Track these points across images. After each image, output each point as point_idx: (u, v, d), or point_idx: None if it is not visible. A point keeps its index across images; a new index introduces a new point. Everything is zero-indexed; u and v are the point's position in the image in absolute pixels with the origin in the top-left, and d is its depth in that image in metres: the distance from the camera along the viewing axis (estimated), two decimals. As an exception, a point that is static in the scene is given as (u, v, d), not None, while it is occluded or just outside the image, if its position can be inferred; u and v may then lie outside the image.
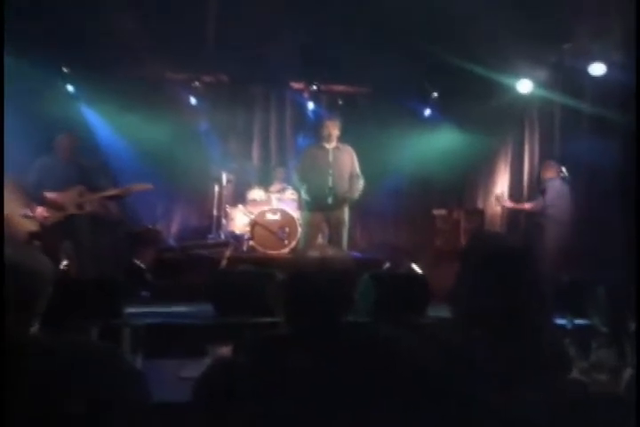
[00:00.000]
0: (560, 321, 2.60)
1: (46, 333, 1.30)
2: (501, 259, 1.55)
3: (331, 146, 5.18)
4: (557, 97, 6.16)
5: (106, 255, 5.64)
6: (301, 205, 5.46)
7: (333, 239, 5.15)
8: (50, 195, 5.08)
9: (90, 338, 2.10)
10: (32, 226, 5.16)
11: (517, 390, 1.38)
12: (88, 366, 1.25)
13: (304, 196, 5.25)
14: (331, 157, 5.09)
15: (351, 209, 5.33)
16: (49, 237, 5.01)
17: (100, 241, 5.39)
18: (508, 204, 6.21)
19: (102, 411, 1.21)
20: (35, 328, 1.32)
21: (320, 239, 5.35)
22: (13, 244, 1.31)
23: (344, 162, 5.23)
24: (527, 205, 5.96)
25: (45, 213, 5.02)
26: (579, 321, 2.67)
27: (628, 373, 1.71)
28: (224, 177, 6.95)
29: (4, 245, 1.30)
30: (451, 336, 1.54)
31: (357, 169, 5.32)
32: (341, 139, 5.29)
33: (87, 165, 5.35)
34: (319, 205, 5.11)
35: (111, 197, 5.34)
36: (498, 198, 6.31)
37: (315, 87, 7.24)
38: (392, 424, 1.29)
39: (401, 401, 1.30)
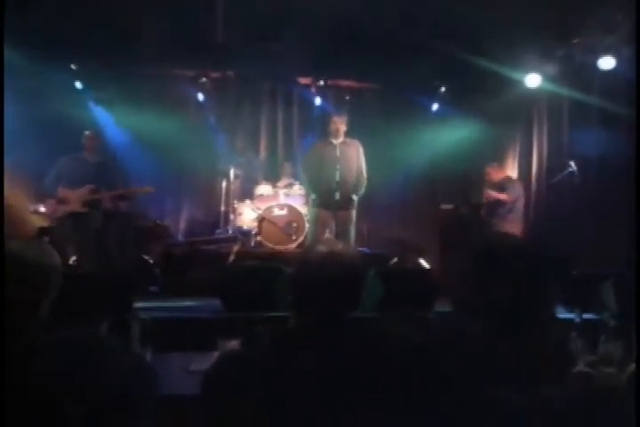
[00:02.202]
0: (568, 315, 2.60)
1: (55, 327, 1.31)
2: (505, 253, 1.56)
3: (338, 141, 5.18)
4: (566, 91, 6.12)
5: (115, 250, 5.67)
6: (308, 201, 5.47)
7: (340, 235, 5.15)
8: (61, 191, 5.15)
9: (99, 332, 2.12)
10: (42, 222, 5.22)
11: (524, 384, 1.38)
12: (97, 360, 1.26)
13: (311, 191, 5.25)
14: (338, 152, 5.09)
15: (358, 205, 5.34)
16: (57, 232, 5.07)
17: (109, 236, 5.42)
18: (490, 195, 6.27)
19: (112, 404, 1.22)
20: (44, 322, 1.33)
21: (327, 235, 5.36)
22: (22, 238, 1.33)
23: (351, 157, 5.23)
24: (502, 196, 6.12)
25: (53, 209, 5.07)
26: (587, 315, 2.67)
27: (633, 366, 1.71)
28: (232, 172, 6.97)
29: (4, 240, 1.31)
30: (457, 331, 1.55)
31: (363, 164, 5.31)
32: (348, 134, 5.29)
33: (109, 165, 5.45)
34: (326, 200, 5.12)
35: (115, 197, 5.38)
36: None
37: (322, 82, 7.22)
38: (399, 419, 1.29)
39: (407, 396, 1.31)
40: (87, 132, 5.43)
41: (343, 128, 5.19)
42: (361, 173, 5.28)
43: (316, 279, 1.40)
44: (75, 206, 5.13)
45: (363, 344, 1.36)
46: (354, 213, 5.25)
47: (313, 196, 5.28)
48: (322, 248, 1.46)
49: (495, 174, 6.34)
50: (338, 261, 1.41)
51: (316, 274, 1.41)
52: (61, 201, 5.12)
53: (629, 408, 1.26)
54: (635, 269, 3.10)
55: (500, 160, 7.38)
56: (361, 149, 5.32)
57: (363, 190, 5.28)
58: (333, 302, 1.39)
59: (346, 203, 5.14)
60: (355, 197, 5.21)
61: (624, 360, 1.84)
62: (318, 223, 5.28)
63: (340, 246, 1.48)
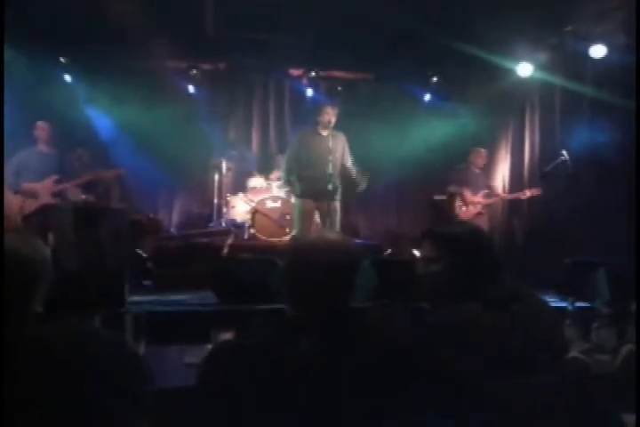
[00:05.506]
0: (561, 304, 2.61)
1: (49, 321, 1.30)
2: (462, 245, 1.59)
3: (327, 133, 5.14)
4: (558, 80, 6.12)
5: (107, 245, 5.65)
6: (295, 192, 5.38)
7: (327, 226, 5.13)
8: (26, 186, 5.03)
9: (93, 326, 2.11)
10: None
11: (518, 371, 1.38)
12: (91, 354, 1.25)
13: (299, 182, 5.21)
14: (330, 144, 5.06)
15: (353, 196, 5.31)
16: (30, 228, 4.89)
17: (102, 231, 5.39)
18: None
19: (106, 397, 1.22)
20: (37, 315, 1.32)
21: (314, 226, 5.34)
22: (9, 230, 1.31)
23: (339, 149, 5.21)
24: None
25: (20, 205, 4.94)
26: (580, 303, 2.68)
27: (626, 349, 1.72)
28: (224, 165, 6.95)
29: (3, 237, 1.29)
30: (451, 319, 1.55)
31: (348, 158, 5.29)
32: (337, 125, 5.26)
33: (67, 154, 5.32)
34: (317, 192, 5.08)
35: (83, 186, 5.30)
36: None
37: (313, 74, 7.18)
38: (395, 409, 1.29)
39: (404, 385, 1.31)
40: (39, 123, 5.22)
41: (334, 119, 5.16)
42: (347, 166, 5.26)
43: (310, 269, 1.40)
44: (45, 199, 5.02)
45: (358, 334, 1.35)
46: (339, 205, 5.23)
47: (301, 187, 5.20)
48: (315, 238, 1.45)
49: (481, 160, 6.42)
50: (332, 250, 1.40)
51: (311, 264, 1.40)
52: (29, 195, 4.98)
53: (623, 393, 1.26)
54: (635, 258, 3.12)
55: (492, 150, 7.40)
56: (346, 143, 5.29)
57: (364, 185, 5.23)
58: (328, 292, 1.39)
59: (334, 195, 5.11)
60: (340, 188, 5.18)
61: (617, 347, 1.85)
62: (305, 215, 5.24)
63: (333, 236, 1.47)
